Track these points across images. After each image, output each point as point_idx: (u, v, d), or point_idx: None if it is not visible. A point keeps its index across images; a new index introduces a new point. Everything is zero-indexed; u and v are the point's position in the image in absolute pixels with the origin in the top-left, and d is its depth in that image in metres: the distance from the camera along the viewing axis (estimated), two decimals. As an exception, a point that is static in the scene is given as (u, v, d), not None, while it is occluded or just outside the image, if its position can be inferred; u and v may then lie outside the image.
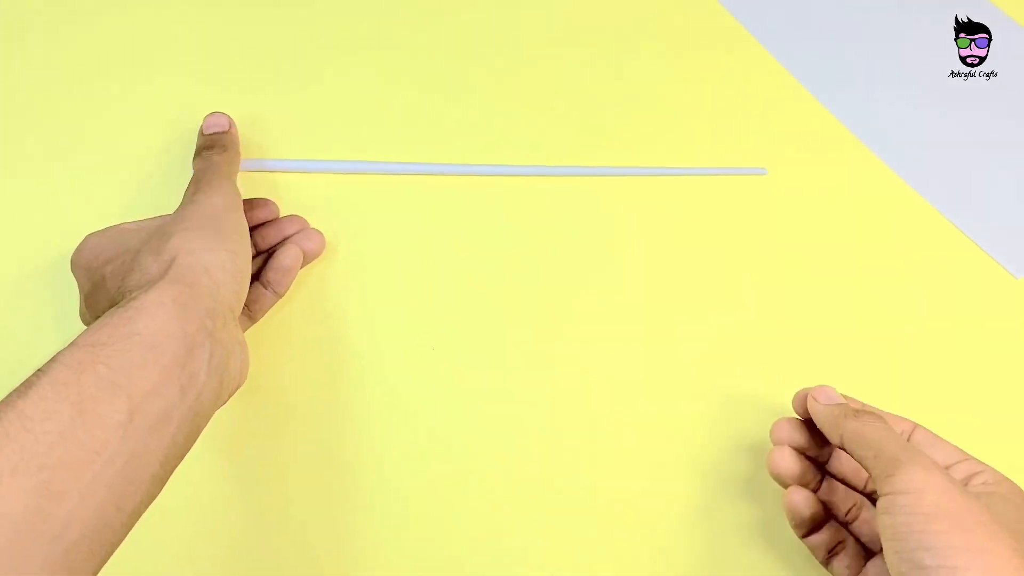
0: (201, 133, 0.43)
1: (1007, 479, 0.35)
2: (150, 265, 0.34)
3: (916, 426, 0.38)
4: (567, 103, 0.48)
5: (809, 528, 0.38)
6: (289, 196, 0.45)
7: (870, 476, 0.34)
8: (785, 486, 0.38)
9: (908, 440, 0.37)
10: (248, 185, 0.45)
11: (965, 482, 0.35)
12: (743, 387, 0.45)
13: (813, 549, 0.38)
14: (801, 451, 0.39)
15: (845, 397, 0.38)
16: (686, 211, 0.47)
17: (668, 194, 0.47)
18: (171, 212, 0.39)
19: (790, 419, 0.39)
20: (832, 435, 0.36)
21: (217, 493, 0.39)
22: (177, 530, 0.38)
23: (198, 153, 0.42)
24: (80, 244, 0.38)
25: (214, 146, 0.42)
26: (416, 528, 0.38)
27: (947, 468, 0.36)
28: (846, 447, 0.35)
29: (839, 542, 0.38)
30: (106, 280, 0.36)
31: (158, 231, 0.36)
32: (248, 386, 0.36)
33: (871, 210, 0.48)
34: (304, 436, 0.40)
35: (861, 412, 0.36)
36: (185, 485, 0.36)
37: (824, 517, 0.38)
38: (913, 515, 0.30)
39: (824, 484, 0.39)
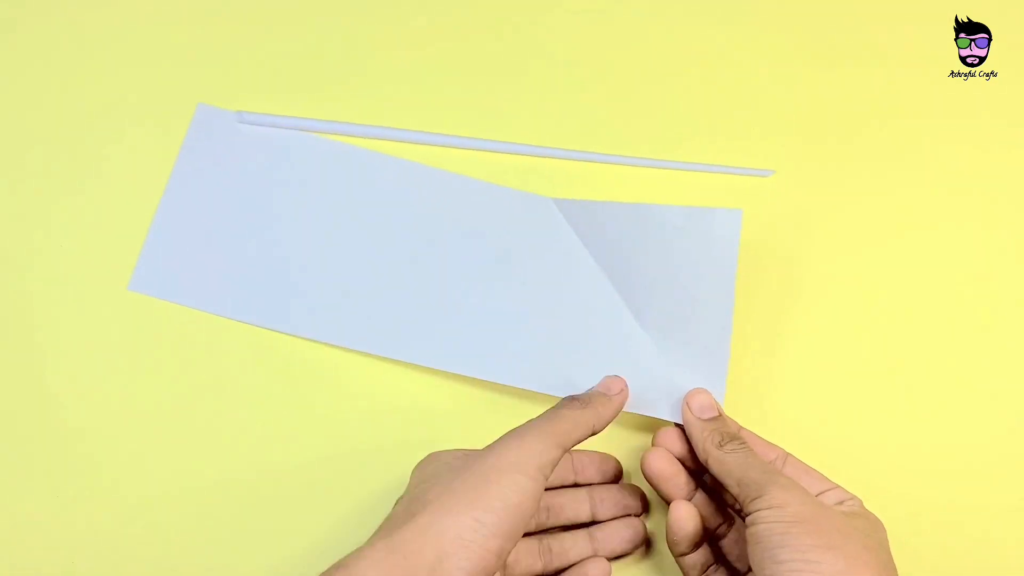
0: (599, 390, 0.40)
1: (870, 513, 0.37)
2: (400, 511, 0.34)
3: (787, 455, 0.39)
4: (577, 86, 0.49)
5: (689, 548, 0.38)
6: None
7: (737, 501, 0.36)
8: (660, 489, 0.39)
9: (780, 468, 0.39)
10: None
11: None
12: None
13: (688, 569, 0.39)
14: (681, 459, 0.40)
15: (742, 431, 0.40)
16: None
17: (668, 187, 0.47)
18: None
19: (674, 429, 0.40)
20: (699, 453, 0.38)
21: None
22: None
23: (568, 398, 0.39)
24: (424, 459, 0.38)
25: (577, 399, 0.38)
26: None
27: (816, 496, 0.37)
28: (711, 471, 0.38)
29: (711, 565, 0.39)
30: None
31: (437, 473, 0.35)
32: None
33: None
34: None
35: (726, 439, 0.37)
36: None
37: (703, 536, 0.38)
38: (775, 523, 0.33)
39: (697, 495, 0.40)
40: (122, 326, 0.44)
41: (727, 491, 0.37)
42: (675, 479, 0.39)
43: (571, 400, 0.38)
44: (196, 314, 0.44)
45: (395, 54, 0.48)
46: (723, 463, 0.37)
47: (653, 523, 0.42)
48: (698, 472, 0.41)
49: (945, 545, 0.43)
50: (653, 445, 0.41)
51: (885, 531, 0.37)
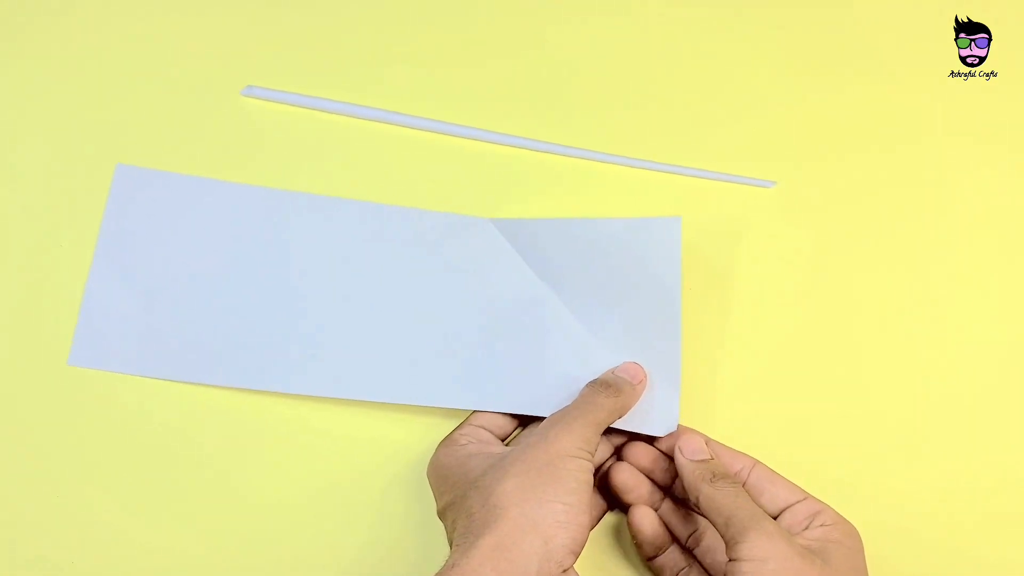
0: (613, 370, 0.41)
1: (843, 520, 0.38)
2: (477, 511, 0.35)
3: (755, 463, 0.40)
4: (584, 86, 0.48)
5: (653, 551, 0.40)
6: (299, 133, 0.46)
7: (724, 541, 0.36)
8: (625, 499, 0.40)
9: (747, 477, 0.39)
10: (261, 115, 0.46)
11: (806, 524, 0.38)
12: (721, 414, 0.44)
13: (658, 572, 0.40)
14: (647, 472, 0.41)
15: (711, 443, 0.40)
16: (683, 212, 0.46)
17: (670, 190, 0.47)
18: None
19: (641, 443, 0.41)
20: (690, 493, 0.38)
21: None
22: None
23: (591, 384, 0.40)
24: (432, 457, 0.40)
25: (610, 387, 0.40)
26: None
27: (786, 509, 0.38)
28: (701, 509, 0.38)
29: (683, 568, 0.40)
30: (448, 508, 0.38)
31: (495, 466, 0.36)
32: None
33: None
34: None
35: (718, 477, 0.38)
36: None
37: (667, 540, 0.40)
38: None
39: (664, 504, 0.41)
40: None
41: (717, 530, 0.37)
42: (639, 489, 0.41)
43: (604, 387, 0.40)
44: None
45: (401, 37, 0.48)
46: (713, 500, 0.37)
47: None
48: (666, 486, 0.42)
49: (904, 545, 0.43)
50: (620, 459, 0.42)
51: (860, 542, 0.37)
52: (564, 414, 0.38)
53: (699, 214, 0.47)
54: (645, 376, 0.41)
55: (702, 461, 0.39)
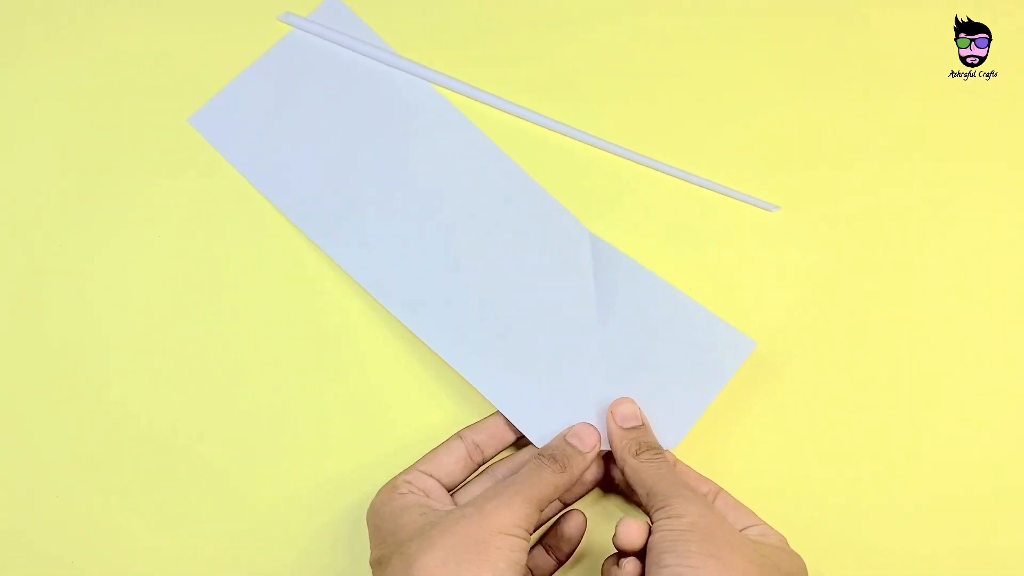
0: (563, 435, 0.40)
1: (792, 552, 0.37)
2: (398, 571, 0.34)
3: (720, 490, 0.40)
4: (616, 77, 0.49)
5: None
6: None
7: (645, 511, 0.37)
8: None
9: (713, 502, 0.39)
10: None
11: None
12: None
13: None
14: None
15: (678, 463, 0.40)
16: (688, 223, 0.47)
17: (673, 192, 0.47)
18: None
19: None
20: (617, 461, 0.39)
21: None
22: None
23: (539, 455, 0.38)
24: (372, 502, 0.39)
25: (556, 461, 0.38)
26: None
27: (741, 531, 0.38)
28: (626, 478, 0.38)
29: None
30: (376, 564, 0.36)
31: (424, 533, 0.35)
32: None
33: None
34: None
35: (643, 448, 0.38)
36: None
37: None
38: (668, 531, 0.34)
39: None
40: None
41: (639, 501, 0.37)
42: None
43: (550, 461, 0.38)
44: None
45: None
46: (637, 472, 0.38)
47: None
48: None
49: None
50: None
51: (804, 570, 0.37)
52: (505, 487, 0.37)
53: (702, 225, 0.47)
54: (598, 441, 0.39)
55: (632, 429, 0.39)
